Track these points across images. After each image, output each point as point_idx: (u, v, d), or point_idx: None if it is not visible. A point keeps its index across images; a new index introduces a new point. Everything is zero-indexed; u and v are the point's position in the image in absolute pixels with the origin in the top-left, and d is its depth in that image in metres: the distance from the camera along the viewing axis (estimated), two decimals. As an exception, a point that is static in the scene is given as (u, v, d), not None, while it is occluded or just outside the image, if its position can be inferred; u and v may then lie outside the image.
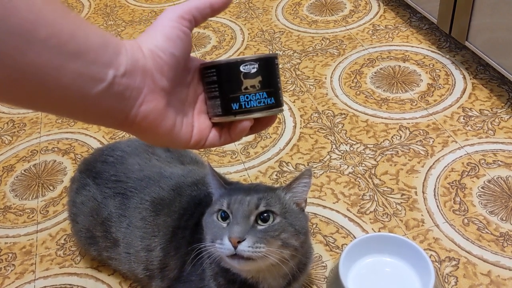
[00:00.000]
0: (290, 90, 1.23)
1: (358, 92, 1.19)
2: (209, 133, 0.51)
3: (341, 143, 1.07)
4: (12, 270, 0.91)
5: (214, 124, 0.52)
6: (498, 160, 0.98)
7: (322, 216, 0.92)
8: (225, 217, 0.63)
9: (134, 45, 0.44)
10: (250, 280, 0.68)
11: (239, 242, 0.60)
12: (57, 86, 0.38)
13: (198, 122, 0.51)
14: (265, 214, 0.62)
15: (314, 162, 1.03)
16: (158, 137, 0.47)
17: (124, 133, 1.18)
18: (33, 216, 1.01)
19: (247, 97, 0.50)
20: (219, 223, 0.64)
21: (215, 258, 0.65)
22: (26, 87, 0.38)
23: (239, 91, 0.50)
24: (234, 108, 0.50)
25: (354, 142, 1.06)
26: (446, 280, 0.80)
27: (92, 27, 0.41)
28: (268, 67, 0.50)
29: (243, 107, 0.50)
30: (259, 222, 0.62)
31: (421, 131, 1.06)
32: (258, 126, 0.53)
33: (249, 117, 0.50)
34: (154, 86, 0.44)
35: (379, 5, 1.49)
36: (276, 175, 1.02)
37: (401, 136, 1.06)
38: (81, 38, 0.39)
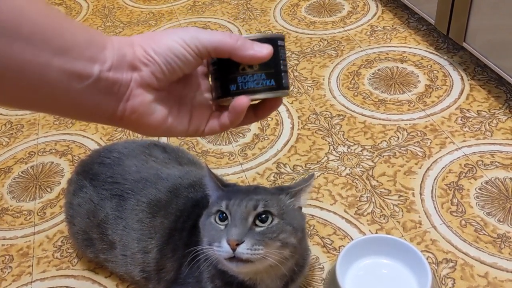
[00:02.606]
0: (288, 92, 1.22)
1: (356, 93, 1.19)
2: (209, 119, 0.50)
3: (339, 144, 1.06)
4: (9, 272, 0.91)
5: (216, 110, 0.51)
6: (495, 161, 0.98)
7: (320, 217, 0.92)
8: (223, 218, 0.63)
9: (123, 41, 0.43)
10: (248, 282, 0.68)
11: (237, 244, 0.59)
12: (43, 83, 0.38)
13: (197, 109, 0.49)
14: (263, 216, 0.62)
15: (311, 163, 1.03)
16: (151, 129, 0.47)
17: (122, 134, 1.18)
18: (30, 218, 1.01)
19: (244, 78, 0.48)
20: (217, 225, 0.63)
21: (212, 260, 0.65)
22: (12, 85, 0.38)
23: (236, 72, 0.49)
24: (231, 89, 0.49)
25: (352, 144, 1.06)
26: (443, 282, 0.80)
27: (76, 23, 0.41)
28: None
29: (240, 88, 0.49)
30: (257, 223, 0.62)
31: (418, 132, 1.06)
32: (260, 110, 0.51)
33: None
34: (141, 81, 0.44)
35: (377, 6, 1.49)
36: (273, 176, 1.02)
37: (398, 138, 1.06)
38: (65, 35, 0.39)
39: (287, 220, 0.64)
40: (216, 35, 0.45)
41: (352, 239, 0.87)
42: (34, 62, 0.37)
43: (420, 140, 1.05)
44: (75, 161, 1.13)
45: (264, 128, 1.14)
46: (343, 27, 1.42)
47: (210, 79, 0.51)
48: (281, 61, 0.50)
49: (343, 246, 0.83)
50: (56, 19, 0.39)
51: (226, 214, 0.63)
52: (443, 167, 0.98)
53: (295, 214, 0.66)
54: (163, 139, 1.10)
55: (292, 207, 0.67)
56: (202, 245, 0.65)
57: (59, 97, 0.40)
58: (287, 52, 1.35)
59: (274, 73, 0.49)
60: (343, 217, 0.92)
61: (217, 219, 0.63)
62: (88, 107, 0.42)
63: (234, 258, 0.60)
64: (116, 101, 0.43)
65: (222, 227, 0.63)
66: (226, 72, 0.49)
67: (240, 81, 0.49)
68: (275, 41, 0.50)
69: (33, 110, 0.49)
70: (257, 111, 0.51)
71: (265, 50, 0.46)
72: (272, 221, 0.62)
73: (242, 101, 0.47)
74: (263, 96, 0.49)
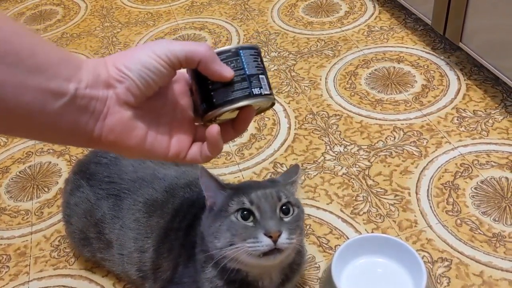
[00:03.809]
0: (285, 91, 1.23)
1: (352, 93, 1.19)
2: (190, 146, 0.50)
3: (335, 144, 1.07)
4: (6, 272, 0.92)
5: (196, 140, 0.51)
6: (491, 161, 0.98)
7: (316, 217, 0.93)
8: (246, 216, 0.62)
9: (97, 62, 0.44)
10: (251, 279, 0.68)
11: (278, 236, 0.60)
12: (18, 104, 0.38)
13: (178, 133, 0.50)
14: (284, 207, 0.64)
15: (308, 163, 1.04)
16: (131, 149, 0.46)
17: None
18: (27, 218, 1.02)
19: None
20: (242, 223, 0.62)
21: (236, 260, 0.63)
22: None
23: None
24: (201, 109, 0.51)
25: (348, 143, 1.06)
26: (439, 281, 0.80)
27: (51, 44, 0.41)
28: (196, 76, 0.50)
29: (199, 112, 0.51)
30: (281, 214, 0.63)
31: (415, 132, 1.07)
32: (236, 125, 0.52)
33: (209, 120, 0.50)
34: (117, 99, 0.44)
35: (374, 7, 1.49)
36: (270, 176, 1.02)
37: (395, 137, 1.06)
38: (40, 55, 0.39)
39: (300, 208, 0.67)
40: (187, 44, 0.45)
41: (348, 238, 0.87)
42: (9, 82, 0.37)
43: (417, 139, 1.05)
44: (73, 161, 1.13)
45: (261, 128, 1.14)
46: (340, 27, 1.42)
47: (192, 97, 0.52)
48: (208, 82, 0.49)
49: (339, 245, 0.84)
50: (30, 39, 0.39)
51: (251, 210, 0.62)
52: (439, 167, 0.99)
53: (299, 201, 0.69)
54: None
55: (295, 196, 0.69)
56: (210, 247, 0.64)
57: (35, 119, 0.40)
58: (284, 52, 1.36)
59: (205, 97, 0.49)
60: (339, 217, 0.92)
61: (239, 217, 0.62)
62: (65, 127, 0.42)
63: (273, 251, 0.61)
64: (93, 120, 0.43)
65: (250, 223, 0.62)
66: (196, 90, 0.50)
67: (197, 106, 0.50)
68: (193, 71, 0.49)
69: (8, 134, 0.48)
70: (235, 126, 0.52)
71: (229, 72, 0.47)
72: (293, 211, 0.65)
73: (212, 129, 0.48)
74: (205, 121, 0.49)
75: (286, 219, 0.63)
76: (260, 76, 0.50)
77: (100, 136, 0.44)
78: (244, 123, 0.52)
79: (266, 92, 0.50)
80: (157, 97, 0.47)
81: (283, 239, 0.60)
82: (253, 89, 0.49)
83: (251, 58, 0.50)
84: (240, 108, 0.50)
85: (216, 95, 0.48)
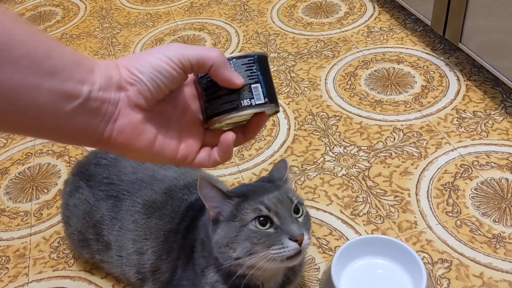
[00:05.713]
0: (285, 92, 1.23)
1: (352, 94, 1.19)
2: (200, 150, 0.50)
3: (335, 145, 1.07)
4: (5, 273, 0.91)
5: (204, 144, 0.51)
6: (491, 162, 0.98)
7: (316, 218, 0.92)
8: (263, 222, 0.62)
9: (109, 64, 0.44)
10: (257, 282, 0.68)
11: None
12: (32, 106, 0.38)
13: (187, 137, 0.49)
14: (295, 207, 0.64)
15: (308, 164, 1.03)
16: (139, 152, 0.46)
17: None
18: (27, 219, 1.01)
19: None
20: (262, 230, 0.61)
21: (253, 267, 0.62)
22: (0, 108, 0.37)
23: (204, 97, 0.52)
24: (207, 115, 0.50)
25: (348, 144, 1.06)
26: (439, 282, 0.80)
27: (64, 47, 0.41)
28: (197, 84, 0.50)
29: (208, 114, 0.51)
30: (295, 215, 0.64)
31: (414, 133, 1.07)
32: (247, 130, 0.52)
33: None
34: (129, 101, 0.44)
35: (374, 7, 1.49)
36: (270, 177, 1.02)
37: (394, 138, 1.06)
38: (54, 57, 0.39)
39: (303, 204, 0.67)
40: (199, 49, 0.45)
41: (348, 240, 0.87)
42: (23, 85, 0.37)
43: (416, 140, 1.05)
44: (72, 162, 1.13)
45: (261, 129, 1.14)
46: (340, 28, 1.42)
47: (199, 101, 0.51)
48: (214, 90, 0.48)
49: (339, 246, 0.83)
50: (43, 41, 0.39)
51: (269, 217, 0.61)
52: (439, 168, 0.98)
53: (302, 199, 0.69)
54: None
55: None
56: (222, 258, 0.63)
57: (47, 120, 0.40)
58: (284, 53, 1.35)
59: (202, 106, 0.49)
60: (339, 218, 0.92)
61: (258, 225, 0.62)
62: (76, 129, 0.42)
63: (298, 253, 0.61)
64: (104, 122, 0.43)
65: (271, 230, 0.61)
66: (205, 95, 0.50)
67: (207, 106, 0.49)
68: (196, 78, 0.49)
69: (19, 134, 0.49)
70: (245, 131, 0.52)
71: (239, 80, 0.47)
72: (303, 210, 0.65)
73: (227, 136, 0.48)
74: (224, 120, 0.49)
75: (300, 220, 0.64)
76: (253, 85, 0.49)
77: (110, 137, 0.44)
78: (256, 128, 0.52)
79: (258, 102, 0.49)
80: (168, 100, 0.47)
81: (306, 240, 0.61)
82: (242, 101, 0.48)
83: (243, 68, 0.49)
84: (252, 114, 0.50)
85: (209, 106, 0.49)
